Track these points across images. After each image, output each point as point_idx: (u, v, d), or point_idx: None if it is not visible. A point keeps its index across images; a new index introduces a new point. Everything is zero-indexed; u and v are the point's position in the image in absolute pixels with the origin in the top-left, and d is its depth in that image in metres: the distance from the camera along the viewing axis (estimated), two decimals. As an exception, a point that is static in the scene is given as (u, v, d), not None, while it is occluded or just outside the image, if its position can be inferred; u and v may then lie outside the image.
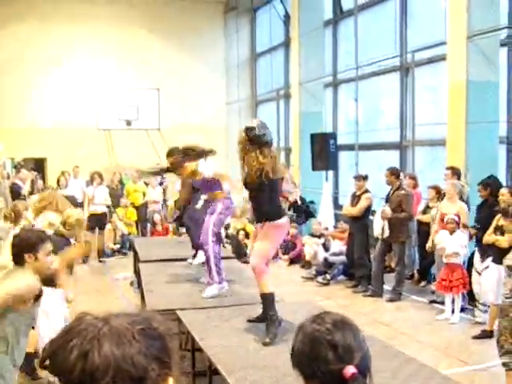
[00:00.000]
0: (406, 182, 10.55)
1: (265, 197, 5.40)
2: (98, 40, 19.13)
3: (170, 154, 7.24)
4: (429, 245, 9.34)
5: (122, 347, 1.19)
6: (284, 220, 5.56)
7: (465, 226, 8.72)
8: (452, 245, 8.51)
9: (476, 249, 8.39)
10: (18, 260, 4.14)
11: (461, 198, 9.02)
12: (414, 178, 10.88)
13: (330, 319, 1.82)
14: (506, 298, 6.13)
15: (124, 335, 1.21)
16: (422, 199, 10.71)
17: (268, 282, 5.45)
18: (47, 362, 1.25)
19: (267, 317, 5.36)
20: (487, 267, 7.86)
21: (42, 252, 4.18)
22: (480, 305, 8.30)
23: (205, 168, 6.81)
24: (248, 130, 5.33)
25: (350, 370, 1.69)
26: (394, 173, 10.04)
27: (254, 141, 5.28)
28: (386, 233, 9.83)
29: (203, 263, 7.54)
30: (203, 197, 7.46)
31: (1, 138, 14.75)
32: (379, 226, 9.96)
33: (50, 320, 5.75)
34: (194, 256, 8.44)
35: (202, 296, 6.71)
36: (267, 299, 5.42)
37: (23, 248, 4.14)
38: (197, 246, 7.97)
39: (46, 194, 8.41)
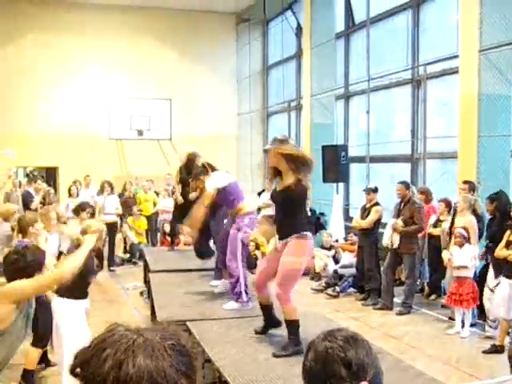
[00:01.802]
0: (417, 195, 10.53)
1: (295, 210, 5.38)
2: (111, 50, 19.26)
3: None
4: (446, 261, 9.14)
5: (156, 360, 1.20)
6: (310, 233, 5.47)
7: (470, 240, 8.65)
8: (461, 258, 8.46)
9: (490, 265, 8.32)
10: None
11: (473, 212, 8.97)
12: (424, 192, 10.79)
13: (341, 336, 1.81)
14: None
15: (157, 348, 1.22)
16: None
17: (292, 309, 5.36)
18: (78, 370, 1.26)
19: (288, 338, 5.32)
20: (499, 283, 7.82)
21: (44, 268, 4.22)
22: (490, 321, 8.25)
23: (216, 180, 6.81)
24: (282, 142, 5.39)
25: None
26: (407, 186, 10.02)
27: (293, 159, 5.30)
28: (395, 244, 9.80)
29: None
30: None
31: (13, 146, 14.84)
32: (388, 237, 9.93)
33: (67, 330, 5.78)
34: (217, 276, 8.29)
35: (223, 307, 6.71)
36: (292, 326, 5.36)
37: (34, 269, 4.10)
38: (223, 264, 7.49)
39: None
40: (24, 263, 4.06)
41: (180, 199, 10.73)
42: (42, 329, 6.32)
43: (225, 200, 6.94)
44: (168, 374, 1.20)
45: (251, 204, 5.88)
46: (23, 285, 3.92)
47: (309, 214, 13.05)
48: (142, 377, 1.18)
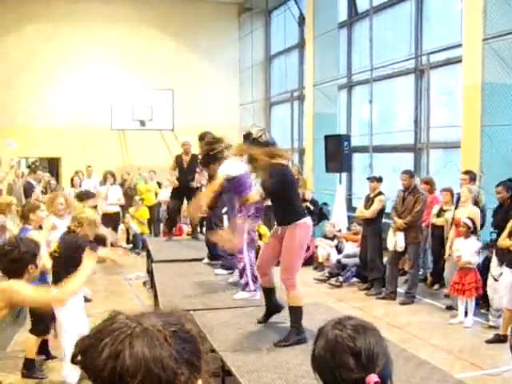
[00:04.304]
0: (421, 186, 10.54)
1: (284, 199, 5.42)
2: (113, 41, 19.23)
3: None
4: (447, 253, 9.22)
5: (154, 350, 1.19)
6: (307, 219, 5.48)
7: (475, 231, 8.65)
8: (465, 252, 8.44)
9: (494, 254, 8.31)
10: (17, 273, 4.01)
11: (475, 203, 8.97)
12: (428, 182, 10.81)
13: (351, 324, 1.79)
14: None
15: (156, 337, 1.21)
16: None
17: (297, 295, 5.39)
18: (78, 358, 1.25)
19: (290, 326, 5.33)
20: (502, 273, 7.80)
21: (38, 259, 4.20)
22: (493, 310, 8.24)
23: (229, 168, 6.82)
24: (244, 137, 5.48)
25: (372, 378, 1.66)
26: (411, 176, 10.02)
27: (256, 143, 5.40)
28: (401, 245, 9.79)
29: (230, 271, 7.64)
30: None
31: (15, 137, 14.85)
32: (392, 241, 9.94)
33: (67, 320, 5.78)
34: (211, 257, 8.44)
35: (233, 297, 6.71)
36: (295, 312, 5.36)
37: (28, 261, 4.07)
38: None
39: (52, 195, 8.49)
40: (17, 254, 4.02)
41: (175, 183, 10.78)
42: (37, 315, 6.33)
43: (235, 188, 6.98)
44: (166, 363, 1.18)
45: (258, 194, 5.89)
46: (25, 293, 3.87)
47: (310, 205, 13.16)
48: (139, 367, 1.16)
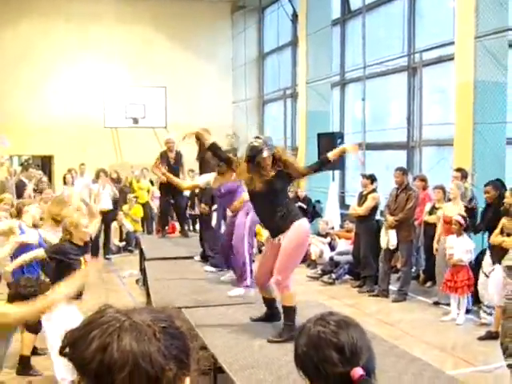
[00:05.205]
0: (415, 183, 10.57)
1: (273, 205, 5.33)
2: (105, 38, 19.19)
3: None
4: (435, 247, 9.33)
5: (142, 344, 1.18)
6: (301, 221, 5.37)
7: (467, 229, 8.68)
8: (458, 251, 8.46)
9: (487, 251, 8.32)
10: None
11: (462, 200, 9.02)
12: (423, 179, 10.85)
13: (333, 320, 1.78)
14: (508, 299, 6.11)
15: (145, 332, 1.20)
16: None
17: (291, 295, 5.34)
18: (67, 350, 1.25)
19: (283, 324, 5.34)
20: (493, 270, 7.82)
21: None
22: (485, 306, 8.27)
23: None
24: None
25: (357, 371, 1.66)
26: (404, 173, 10.05)
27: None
28: (393, 243, 9.82)
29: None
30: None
31: (8, 135, 14.79)
32: (384, 240, 9.96)
33: (58, 318, 5.75)
34: (203, 257, 8.46)
35: (228, 294, 6.70)
36: (288, 312, 5.34)
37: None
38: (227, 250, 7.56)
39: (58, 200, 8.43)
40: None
41: (163, 178, 10.73)
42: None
43: (227, 201, 7.11)
44: (154, 358, 1.18)
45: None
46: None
47: (302, 205, 13.18)
48: (127, 361, 1.16)
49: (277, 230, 5.34)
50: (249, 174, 5.31)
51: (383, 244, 10.03)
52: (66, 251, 5.87)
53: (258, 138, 5.42)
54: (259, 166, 5.22)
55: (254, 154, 5.22)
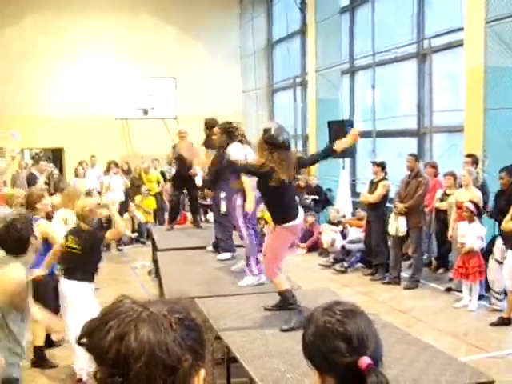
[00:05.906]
0: (426, 170, 10.56)
1: (278, 199, 5.45)
2: (114, 30, 19.16)
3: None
4: (450, 234, 9.32)
5: (159, 334, 1.20)
6: (295, 222, 5.48)
7: (479, 215, 8.66)
8: (469, 237, 8.45)
9: (499, 238, 8.30)
10: (22, 250, 4.24)
11: (475, 185, 9.00)
12: (434, 166, 10.83)
13: (340, 310, 1.80)
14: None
15: (162, 322, 1.22)
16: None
17: (281, 281, 5.50)
18: (84, 340, 1.27)
19: (288, 308, 5.42)
20: (506, 256, 7.81)
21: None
22: (495, 293, 8.26)
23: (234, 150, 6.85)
24: (264, 131, 5.35)
25: (365, 361, 1.67)
26: (416, 159, 10.05)
27: (269, 143, 5.28)
28: (402, 230, 9.82)
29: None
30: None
31: (18, 128, 14.84)
32: (393, 226, 9.96)
33: (78, 310, 5.80)
34: (215, 247, 8.47)
35: (239, 285, 6.73)
36: (285, 296, 5.48)
37: (30, 233, 4.29)
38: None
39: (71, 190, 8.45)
40: (16, 233, 4.20)
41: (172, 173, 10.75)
42: (41, 301, 6.36)
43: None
44: (170, 348, 1.20)
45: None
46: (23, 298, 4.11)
47: (307, 198, 13.17)
48: (143, 351, 1.18)
49: (275, 220, 5.56)
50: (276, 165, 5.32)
51: (392, 231, 10.03)
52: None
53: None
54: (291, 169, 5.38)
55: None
